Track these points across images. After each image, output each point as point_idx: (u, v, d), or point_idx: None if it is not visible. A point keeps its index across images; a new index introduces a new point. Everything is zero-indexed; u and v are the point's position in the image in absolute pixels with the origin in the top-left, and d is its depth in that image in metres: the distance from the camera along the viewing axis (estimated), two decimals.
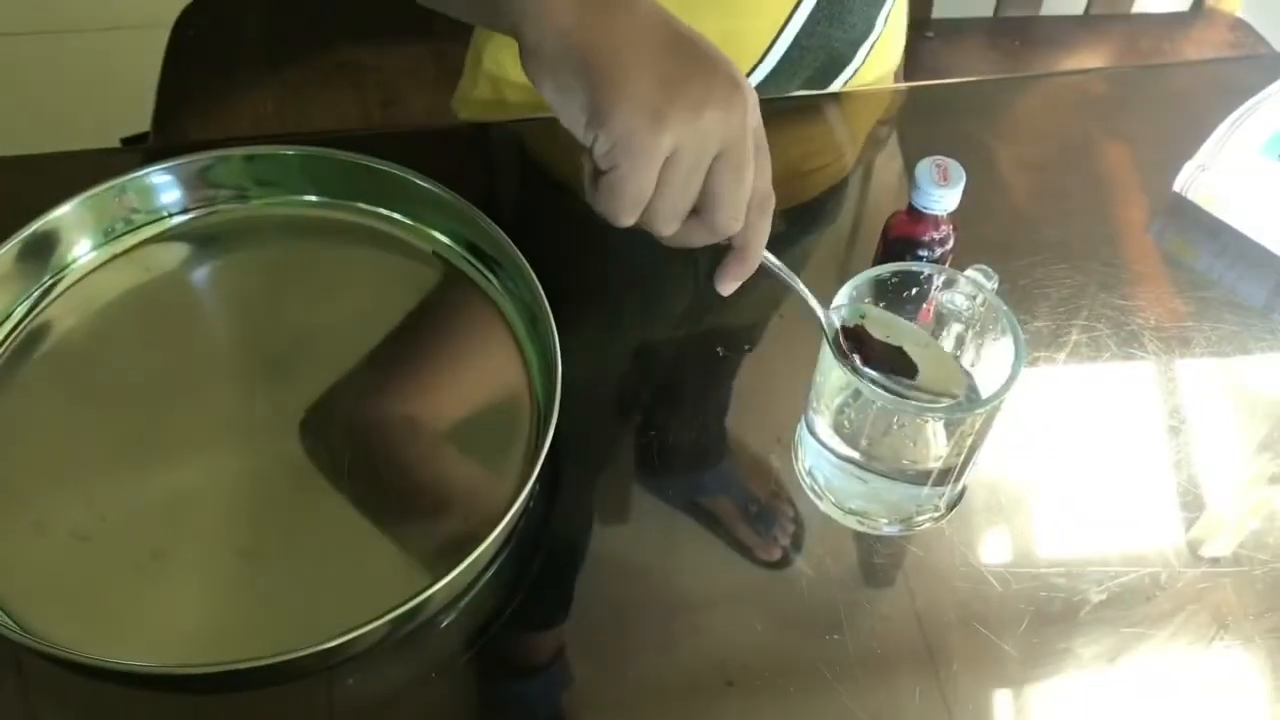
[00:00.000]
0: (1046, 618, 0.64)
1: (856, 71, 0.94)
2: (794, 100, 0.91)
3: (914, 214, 0.69)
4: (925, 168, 0.67)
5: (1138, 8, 1.38)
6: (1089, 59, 1.33)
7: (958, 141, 0.88)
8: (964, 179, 0.67)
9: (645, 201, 0.53)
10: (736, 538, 0.67)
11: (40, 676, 0.60)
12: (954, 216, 0.70)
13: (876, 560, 0.66)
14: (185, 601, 0.61)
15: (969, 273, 0.64)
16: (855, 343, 0.62)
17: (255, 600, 0.61)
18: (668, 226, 0.54)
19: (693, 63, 0.51)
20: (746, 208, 0.55)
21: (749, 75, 0.88)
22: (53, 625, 0.59)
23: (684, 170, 0.52)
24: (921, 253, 0.70)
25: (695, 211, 0.54)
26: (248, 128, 1.21)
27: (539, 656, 0.63)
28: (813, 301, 0.61)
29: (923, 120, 0.94)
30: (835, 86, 0.94)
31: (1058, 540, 0.67)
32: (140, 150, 0.81)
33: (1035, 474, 0.70)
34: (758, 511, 0.68)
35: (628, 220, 0.53)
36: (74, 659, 0.55)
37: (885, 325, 0.62)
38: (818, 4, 0.86)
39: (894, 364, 0.62)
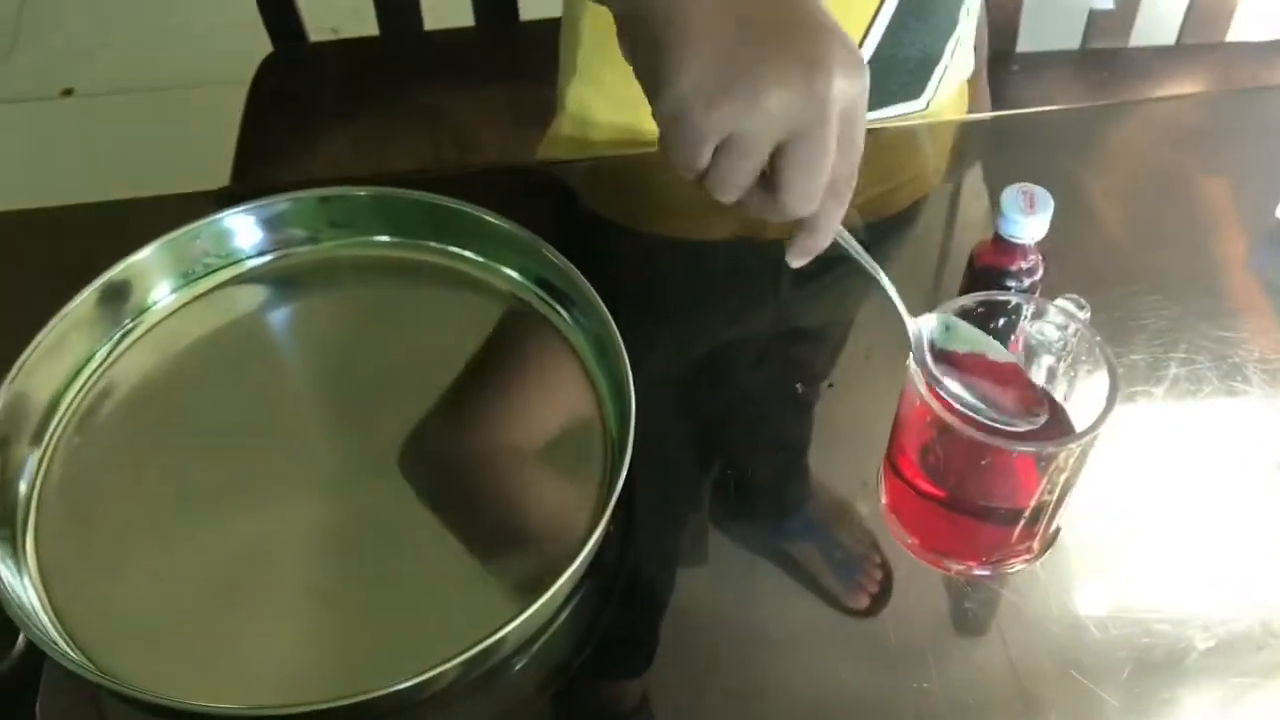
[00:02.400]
0: (1149, 666, 0.60)
1: (946, 70, 0.92)
2: (876, 132, 0.89)
3: (1000, 243, 0.67)
4: (1012, 194, 0.65)
5: (1233, 35, 1.34)
6: (1181, 90, 1.30)
7: (1046, 171, 0.86)
8: (1051, 206, 0.65)
9: (698, 171, 0.51)
10: (822, 584, 0.64)
11: (116, 715, 0.60)
12: (1042, 246, 0.67)
13: (967, 605, 0.63)
14: (260, 643, 0.61)
15: (1059, 302, 0.61)
16: (945, 366, 0.59)
17: (330, 642, 0.61)
18: (725, 197, 0.53)
19: (773, 41, 0.48)
20: (821, 191, 0.52)
21: None
22: (130, 666, 0.58)
23: (736, 154, 0.50)
24: (1009, 283, 0.68)
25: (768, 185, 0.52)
26: (325, 173, 1.22)
27: (617, 703, 0.61)
28: (896, 300, 0.58)
29: (1010, 150, 0.92)
30: (929, 89, 0.92)
31: (1159, 584, 0.64)
32: (216, 195, 0.82)
33: (1134, 514, 0.67)
34: (842, 557, 0.65)
35: (686, 178, 0.52)
36: (149, 700, 0.54)
37: (971, 341, 0.60)
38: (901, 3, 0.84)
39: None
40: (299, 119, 1.29)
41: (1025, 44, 1.33)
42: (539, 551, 0.63)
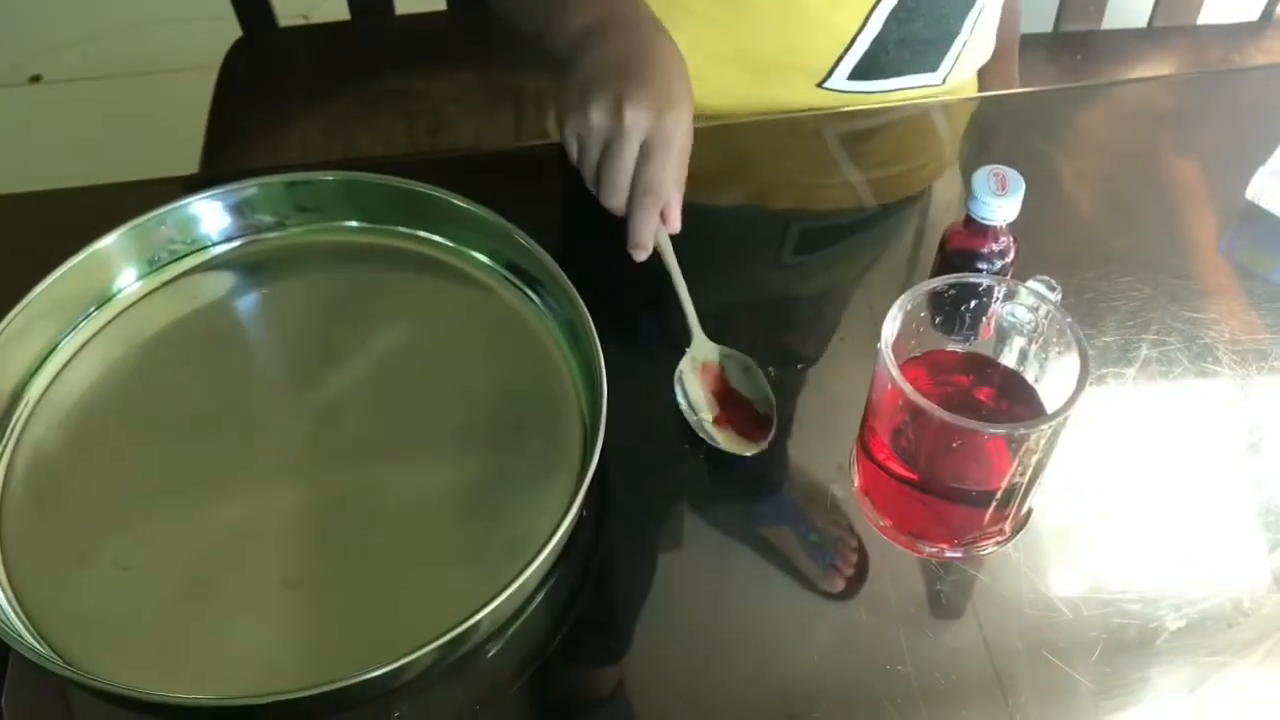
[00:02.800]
0: (1121, 646, 0.61)
1: (965, 45, 0.92)
2: (846, 116, 0.89)
3: (972, 225, 0.66)
4: (982, 176, 0.65)
5: (1204, 18, 1.34)
6: (1153, 72, 1.30)
7: (1018, 154, 0.86)
8: (1023, 188, 0.64)
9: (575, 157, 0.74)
10: (797, 567, 0.64)
11: (84, 708, 0.60)
12: (1014, 228, 0.67)
13: (940, 587, 0.63)
14: (229, 633, 0.60)
15: (1030, 284, 0.61)
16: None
17: (302, 631, 0.60)
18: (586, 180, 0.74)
19: (613, 77, 0.70)
20: (624, 191, 0.70)
21: (853, 40, 0.88)
22: (98, 658, 0.58)
23: (582, 148, 0.72)
24: (980, 265, 0.68)
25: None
26: (295, 158, 1.21)
27: (591, 688, 0.61)
28: (691, 315, 0.71)
29: (981, 133, 0.92)
30: (946, 63, 0.92)
31: (1131, 565, 0.64)
32: (183, 180, 0.81)
33: (1106, 495, 0.67)
34: (818, 540, 0.65)
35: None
36: (117, 692, 0.54)
37: None
38: None
39: None
40: (269, 104, 1.28)
41: None
42: (512, 536, 0.62)
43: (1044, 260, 0.73)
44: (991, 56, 1.00)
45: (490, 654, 0.61)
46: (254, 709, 0.55)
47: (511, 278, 0.73)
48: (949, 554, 0.63)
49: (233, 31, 1.28)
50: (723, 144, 0.85)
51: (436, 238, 0.75)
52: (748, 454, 0.67)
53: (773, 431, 0.67)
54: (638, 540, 0.66)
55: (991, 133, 0.91)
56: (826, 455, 0.68)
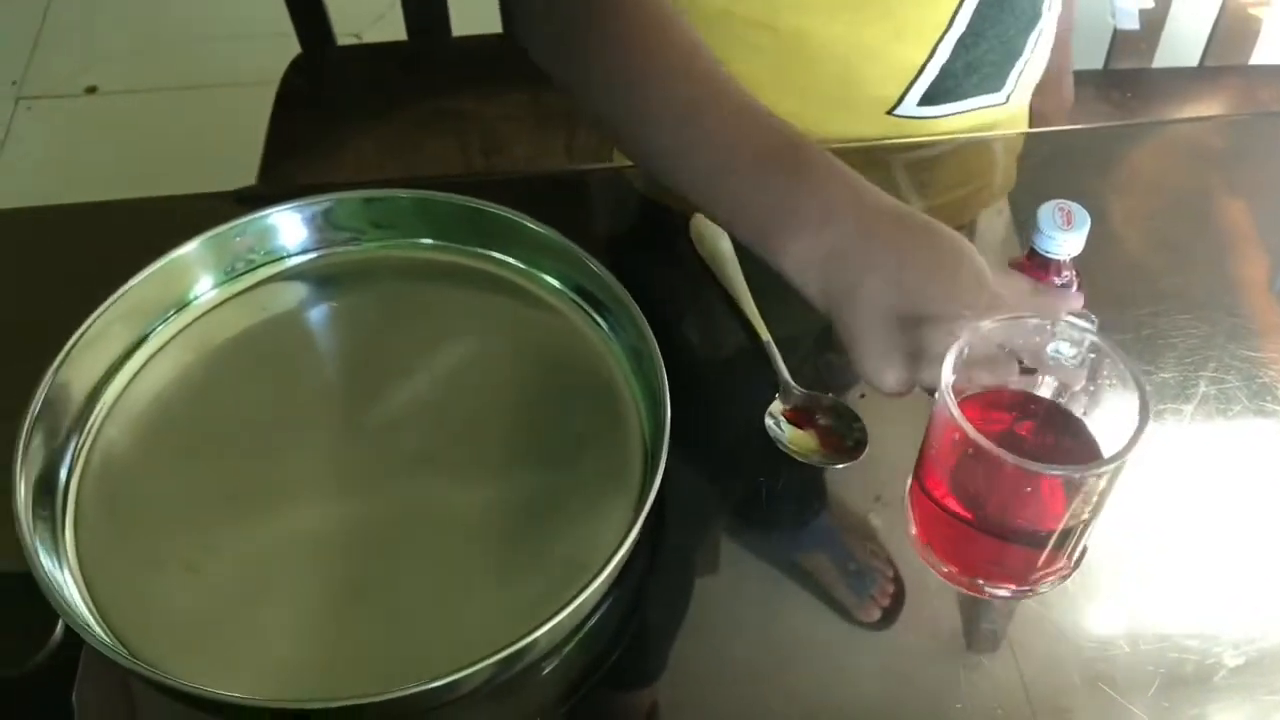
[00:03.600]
0: (1178, 680, 0.61)
1: (1027, 63, 0.92)
2: (891, 148, 0.90)
3: (1035, 258, 0.67)
4: (1048, 210, 0.65)
5: (1256, 58, 1.34)
6: (1204, 111, 1.30)
7: (1068, 189, 0.86)
8: (1088, 223, 0.65)
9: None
10: (834, 596, 0.65)
11: (148, 704, 0.61)
12: (1075, 264, 0.68)
13: (991, 618, 0.63)
14: (290, 637, 0.61)
15: (1068, 319, 0.61)
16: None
17: (359, 639, 0.61)
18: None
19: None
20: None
21: (920, 70, 0.88)
22: (164, 656, 0.59)
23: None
24: None
25: None
26: (350, 174, 1.23)
27: (636, 711, 0.62)
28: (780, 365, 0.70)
29: (1031, 167, 0.92)
30: (1010, 82, 0.92)
31: (1189, 601, 0.64)
32: (260, 192, 0.83)
33: (1163, 530, 0.67)
34: (856, 570, 0.66)
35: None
36: (182, 688, 0.55)
37: None
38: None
39: None
40: (326, 121, 1.30)
41: None
42: (570, 555, 0.63)
43: (1098, 296, 0.73)
44: (1045, 76, 1.00)
45: (545, 671, 0.61)
46: (310, 713, 0.56)
47: (579, 300, 0.74)
48: (1013, 593, 0.63)
49: (288, 48, 1.30)
50: None
51: (507, 258, 0.76)
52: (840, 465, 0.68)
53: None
54: (690, 562, 0.66)
55: (1042, 167, 0.92)
56: (868, 488, 0.68)
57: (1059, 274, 0.68)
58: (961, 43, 0.87)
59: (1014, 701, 0.60)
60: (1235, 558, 0.66)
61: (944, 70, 0.88)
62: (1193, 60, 1.35)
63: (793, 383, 0.71)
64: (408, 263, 0.76)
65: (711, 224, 0.79)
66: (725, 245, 0.78)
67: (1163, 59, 1.34)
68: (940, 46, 0.87)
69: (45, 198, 0.82)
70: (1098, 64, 1.35)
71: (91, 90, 1.92)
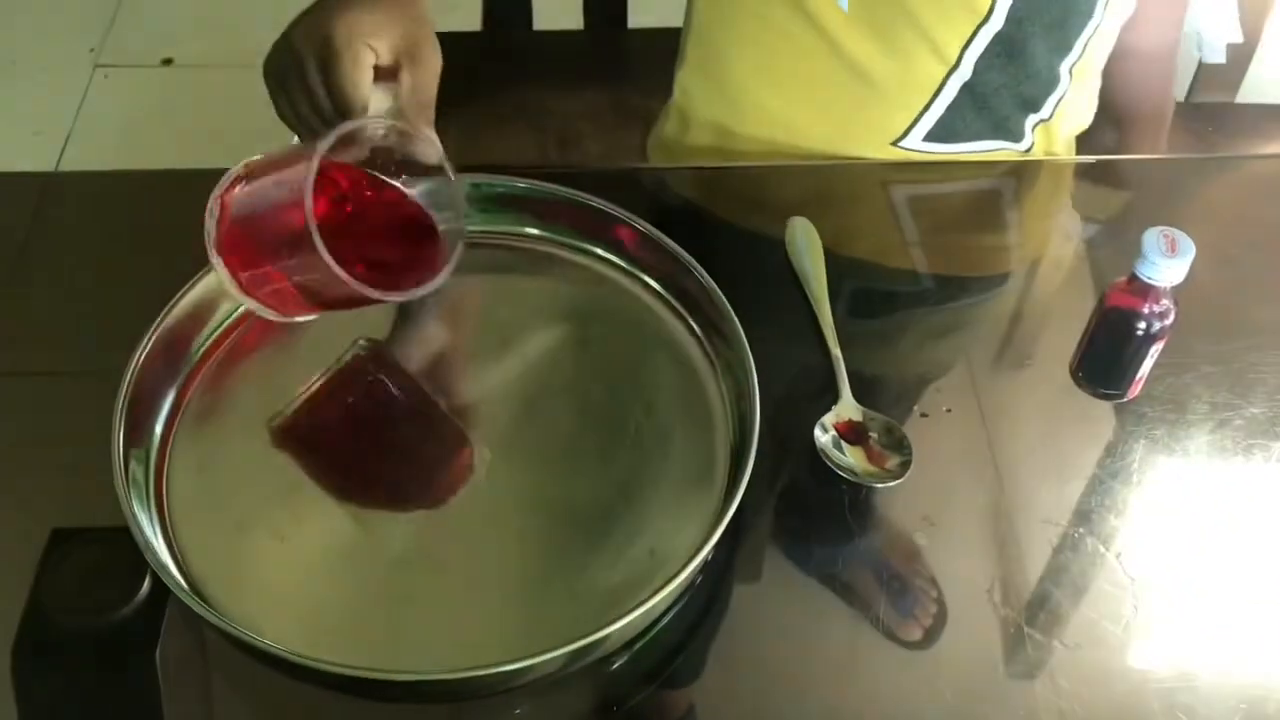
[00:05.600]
0: (1260, 717, 0.60)
1: (1051, 119, 0.92)
2: (969, 167, 0.90)
3: (1135, 284, 0.67)
4: (1153, 236, 0.65)
5: None
6: None
7: (1146, 221, 0.86)
8: (1193, 253, 0.65)
9: None
10: (876, 613, 0.65)
11: (228, 664, 0.62)
12: (1176, 293, 0.67)
13: (1036, 643, 0.63)
14: (370, 608, 0.62)
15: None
16: None
17: (436, 616, 0.62)
18: None
19: None
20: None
21: (926, 106, 0.88)
22: (242, 614, 0.59)
23: None
24: (1139, 325, 0.68)
25: None
26: None
27: (671, 716, 0.62)
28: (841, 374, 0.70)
29: (1108, 196, 0.92)
30: (1028, 136, 0.92)
31: (1274, 638, 0.64)
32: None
33: (1245, 564, 0.67)
34: (900, 588, 0.66)
35: None
36: (261, 647, 0.56)
37: None
38: (992, 41, 0.84)
39: None
40: None
41: None
42: (650, 553, 0.64)
43: (1189, 329, 0.72)
44: (1141, 120, 1.00)
45: (615, 666, 0.62)
46: (387, 683, 0.57)
47: (673, 300, 0.74)
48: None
49: None
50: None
51: (608, 254, 0.76)
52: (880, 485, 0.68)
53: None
54: (759, 572, 0.66)
55: (1119, 197, 0.91)
56: (916, 506, 0.68)
57: (1157, 301, 0.67)
58: (968, 87, 0.87)
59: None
60: None
61: (951, 109, 0.88)
62: (1278, 98, 1.34)
63: (851, 397, 0.71)
64: (511, 250, 0.77)
65: (805, 231, 0.79)
66: (816, 253, 0.78)
67: (1247, 94, 1.33)
68: (946, 86, 0.87)
69: (116, 166, 0.83)
70: (1181, 96, 1.34)
71: (168, 62, 1.93)
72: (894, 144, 0.90)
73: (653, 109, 1.28)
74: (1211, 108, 1.33)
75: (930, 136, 0.90)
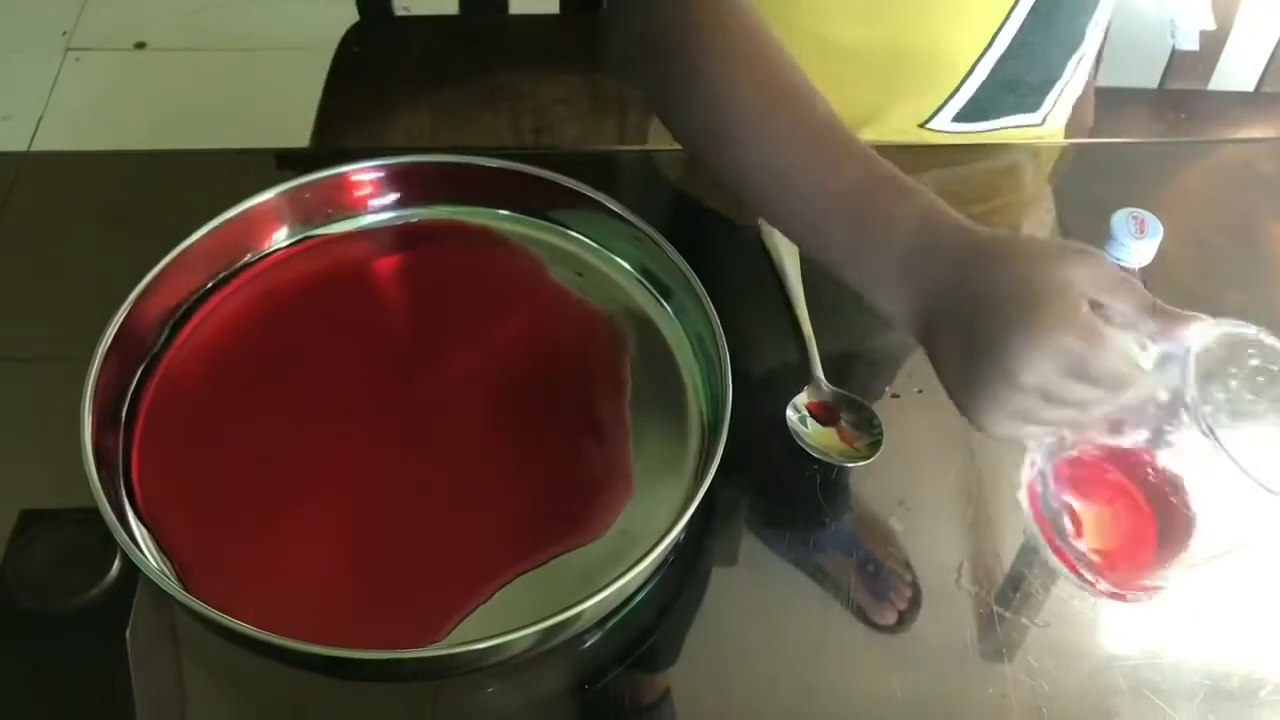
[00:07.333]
0: (1223, 694, 0.61)
1: (1066, 84, 0.92)
2: (942, 151, 0.90)
3: None
4: (1122, 218, 0.65)
5: None
6: (1257, 135, 1.30)
7: (1117, 204, 0.86)
8: (1161, 233, 0.65)
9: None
10: (851, 597, 0.65)
11: (197, 643, 0.62)
12: (1145, 274, 0.67)
13: (1007, 622, 0.64)
14: (339, 585, 0.62)
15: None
16: None
17: (408, 594, 0.62)
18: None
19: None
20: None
21: (958, 87, 0.88)
22: (214, 593, 0.59)
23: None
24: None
25: None
26: (403, 144, 1.23)
27: (641, 695, 0.62)
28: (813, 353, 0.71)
29: (1081, 179, 0.92)
30: (1047, 103, 0.92)
31: (1237, 616, 0.65)
32: (336, 151, 0.83)
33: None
34: (875, 571, 0.66)
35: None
36: (232, 626, 0.56)
37: None
38: (1032, 8, 0.84)
39: None
40: (380, 90, 1.30)
41: (1104, 79, 1.34)
42: (623, 536, 0.64)
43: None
44: None
45: (588, 644, 0.62)
46: (359, 662, 0.57)
47: (645, 283, 0.74)
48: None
49: (337, 15, 1.30)
50: None
51: (582, 236, 0.76)
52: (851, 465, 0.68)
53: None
54: (731, 554, 0.67)
55: (1093, 180, 0.91)
56: (891, 490, 0.68)
57: None
58: (1001, 62, 0.87)
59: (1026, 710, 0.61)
60: None
61: (982, 88, 0.88)
62: (1249, 85, 1.35)
63: (823, 378, 0.71)
64: (482, 230, 0.76)
65: None
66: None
67: (1219, 82, 1.34)
68: (980, 65, 0.87)
69: (87, 149, 0.83)
70: (1153, 83, 1.35)
71: (140, 46, 1.92)
72: (922, 126, 0.90)
73: (628, 95, 1.29)
74: (1184, 94, 1.33)
75: (959, 118, 0.90)
